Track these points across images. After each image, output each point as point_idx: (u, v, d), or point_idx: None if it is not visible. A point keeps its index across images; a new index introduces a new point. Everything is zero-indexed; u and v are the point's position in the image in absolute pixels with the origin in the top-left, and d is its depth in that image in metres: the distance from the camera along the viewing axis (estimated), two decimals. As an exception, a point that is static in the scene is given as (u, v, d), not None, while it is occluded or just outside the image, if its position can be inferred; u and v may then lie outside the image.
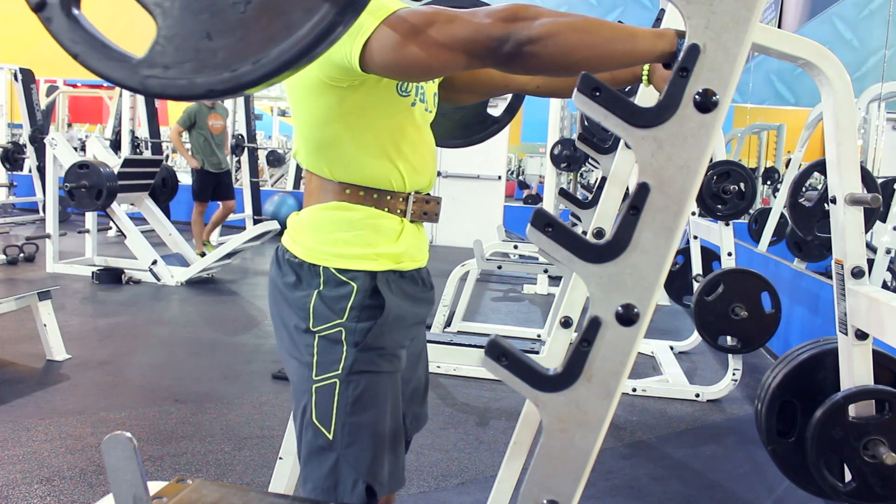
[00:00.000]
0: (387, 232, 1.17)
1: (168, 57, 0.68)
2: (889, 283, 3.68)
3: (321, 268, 1.13)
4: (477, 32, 0.92)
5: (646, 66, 1.21)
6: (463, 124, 1.68)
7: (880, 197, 1.71)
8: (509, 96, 1.73)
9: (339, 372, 1.11)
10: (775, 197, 7.22)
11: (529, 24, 0.89)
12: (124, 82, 0.70)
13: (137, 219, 5.80)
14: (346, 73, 1.05)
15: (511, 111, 1.73)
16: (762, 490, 2.46)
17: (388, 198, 1.17)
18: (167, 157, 11.14)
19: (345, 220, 1.15)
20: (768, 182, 7.87)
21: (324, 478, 1.12)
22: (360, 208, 1.15)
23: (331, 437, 1.12)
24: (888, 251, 3.60)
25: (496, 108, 1.70)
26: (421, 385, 1.35)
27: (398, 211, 1.18)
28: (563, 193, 2.76)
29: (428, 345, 1.88)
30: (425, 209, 1.22)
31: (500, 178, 8.52)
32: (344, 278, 1.12)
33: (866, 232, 3.25)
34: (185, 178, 10.13)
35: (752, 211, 5.67)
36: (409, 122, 1.18)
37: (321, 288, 1.12)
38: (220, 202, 6.34)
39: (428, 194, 1.24)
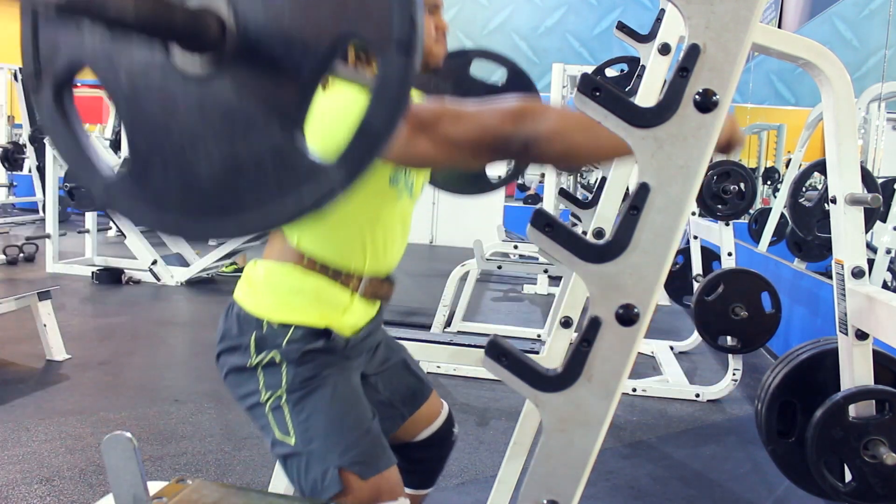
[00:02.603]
0: (335, 304, 1.20)
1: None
2: (889, 283, 3.68)
3: (264, 321, 1.17)
4: (484, 130, 0.93)
5: None
6: (459, 179, 1.69)
7: (880, 197, 1.71)
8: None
9: (283, 386, 1.16)
10: (775, 197, 7.22)
11: (536, 123, 0.91)
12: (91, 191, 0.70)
13: (137, 219, 5.79)
14: None
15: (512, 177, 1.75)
16: (762, 490, 2.46)
17: (343, 276, 1.20)
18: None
19: (296, 284, 1.19)
20: (768, 182, 7.87)
21: (305, 481, 1.15)
22: (314, 276, 1.18)
23: (293, 441, 1.15)
24: (888, 251, 3.60)
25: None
26: (399, 366, 1.40)
27: (350, 286, 1.21)
28: (563, 193, 2.77)
29: (428, 345, 1.89)
30: (378, 291, 1.25)
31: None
32: (280, 331, 1.17)
33: (866, 232, 3.26)
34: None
35: (752, 211, 5.67)
36: (392, 211, 1.21)
37: (261, 332, 1.17)
38: None
39: (386, 278, 1.27)
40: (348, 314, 1.21)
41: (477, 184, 1.65)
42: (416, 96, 1.07)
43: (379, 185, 1.16)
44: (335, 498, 1.13)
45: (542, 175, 14.58)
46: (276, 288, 1.19)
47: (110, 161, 0.68)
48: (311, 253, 1.18)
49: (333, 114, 0.97)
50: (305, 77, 0.61)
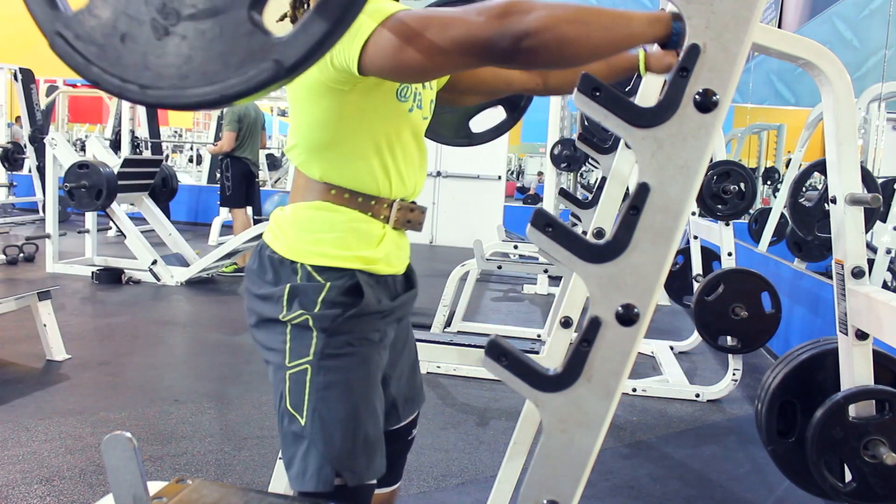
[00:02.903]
0: (367, 236, 1.17)
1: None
2: (889, 283, 3.68)
3: (298, 264, 1.13)
4: (470, 32, 0.90)
5: (641, 53, 1.21)
6: (449, 126, 1.68)
7: (880, 197, 1.71)
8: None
9: (311, 357, 1.12)
10: (775, 197, 7.23)
11: (523, 18, 0.86)
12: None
13: (137, 219, 5.80)
14: (346, 76, 1.06)
15: (512, 119, 1.73)
16: (762, 490, 2.46)
17: (373, 203, 1.17)
18: (167, 157, 11.15)
19: (327, 220, 1.16)
20: (768, 182, 7.88)
21: (297, 464, 1.13)
22: (344, 210, 1.16)
23: (303, 422, 1.12)
24: (888, 251, 3.60)
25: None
26: (411, 366, 1.36)
27: (381, 217, 1.18)
28: (563, 193, 2.77)
29: (428, 345, 1.88)
30: (409, 217, 1.22)
31: (500, 178, 8.52)
32: (317, 276, 1.13)
33: (866, 232, 3.26)
34: (184, 179, 10.16)
35: (752, 211, 5.67)
36: (405, 127, 1.19)
37: (295, 282, 1.13)
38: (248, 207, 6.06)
39: (413, 202, 1.24)
40: (382, 245, 1.18)
41: (465, 134, 1.65)
42: (399, 5, 1.06)
43: (387, 102, 1.14)
44: (319, 496, 1.11)
45: (540, 174, 14.60)
46: (307, 225, 1.16)
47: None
48: (337, 182, 1.15)
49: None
50: None
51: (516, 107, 1.69)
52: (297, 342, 1.13)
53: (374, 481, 1.18)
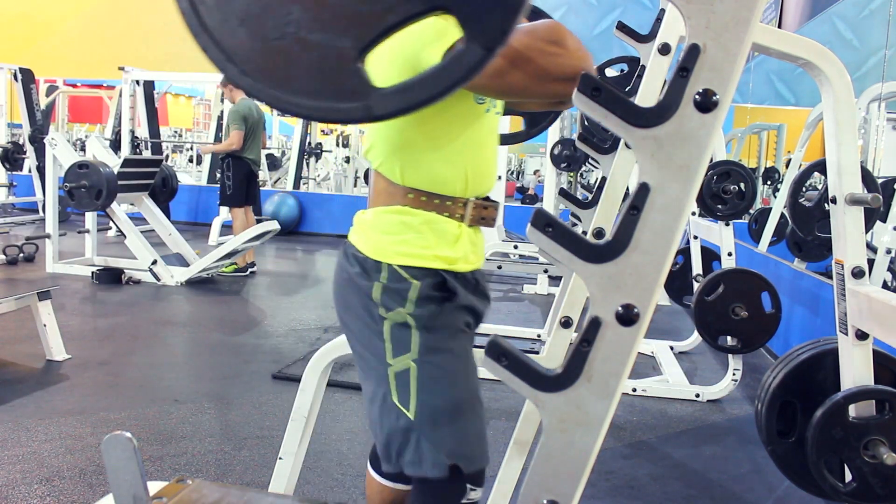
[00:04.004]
0: (446, 236, 1.21)
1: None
2: (889, 283, 3.68)
3: (384, 264, 1.17)
4: (577, 69, 0.98)
5: None
6: None
7: (880, 197, 1.71)
8: None
9: (414, 354, 1.16)
10: (775, 197, 7.23)
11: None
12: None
13: (137, 219, 5.79)
14: None
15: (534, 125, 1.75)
16: (762, 490, 2.46)
17: (448, 203, 1.20)
18: (167, 157, 11.15)
19: (407, 224, 1.19)
20: (768, 182, 7.88)
21: (409, 454, 1.16)
22: (421, 213, 1.20)
23: (412, 416, 1.16)
24: (888, 251, 3.60)
25: None
26: None
27: (457, 216, 1.21)
28: (563, 193, 2.76)
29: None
30: (483, 214, 1.25)
31: (499, 178, 8.50)
32: (404, 274, 1.17)
33: (866, 232, 3.26)
34: (184, 179, 10.15)
35: (752, 211, 5.67)
36: (482, 127, 1.22)
37: (384, 281, 1.17)
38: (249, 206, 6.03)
39: (487, 199, 1.27)
40: (459, 244, 1.22)
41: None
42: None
43: (466, 104, 1.17)
44: (438, 482, 1.15)
45: (536, 172, 14.59)
46: (388, 228, 1.19)
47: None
48: (416, 184, 1.18)
49: (400, 50, 1.03)
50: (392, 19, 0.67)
51: (536, 123, 1.71)
52: (397, 340, 1.17)
53: (486, 465, 1.22)
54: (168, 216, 6.26)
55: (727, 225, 3.42)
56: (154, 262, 5.29)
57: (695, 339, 4.11)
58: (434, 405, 1.16)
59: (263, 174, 9.43)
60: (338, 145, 12.85)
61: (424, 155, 1.18)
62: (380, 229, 1.20)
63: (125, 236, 5.41)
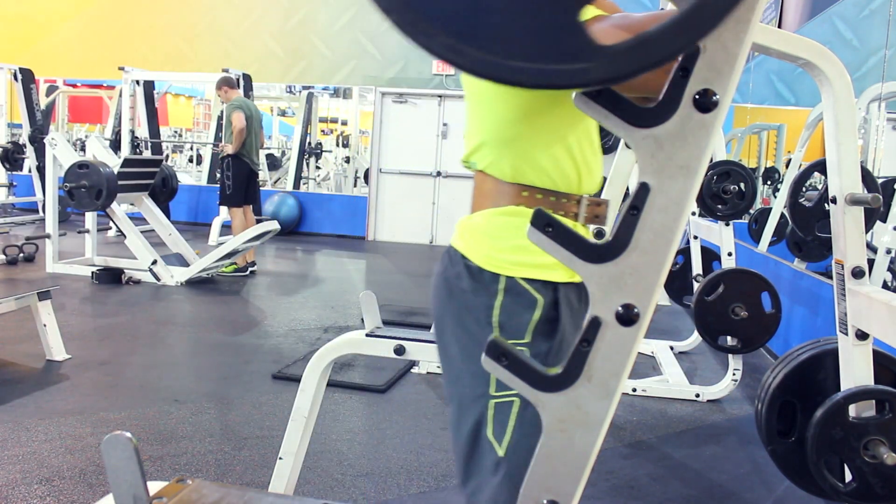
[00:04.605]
0: None
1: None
2: (889, 283, 3.68)
3: (501, 276, 1.08)
4: None
5: None
6: None
7: (881, 197, 1.71)
8: None
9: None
10: (775, 197, 7.23)
11: None
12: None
13: (137, 219, 5.79)
14: None
15: None
16: (762, 490, 2.46)
17: (564, 201, 1.13)
18: (167, 157, 11.15)
19: (522, 226, 1.06)
20: (768, 182, 7.88)
21: (487, 492, 1.09)
22: None
23: (501, 453, 1.08)
24: (888, 251, 3.60)
25: None
26: None
27: (571, 214, 1.13)
28: (563, 193, 2.76)
29: (428, 345, 1.88)
30: (596, 212, 1.17)
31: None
32: (529, 288, 1.08)
33: (867, 232, 3.26)
34: (184, 179, 10.15)
35: (752, 211, 5.67)
36: (590, 121, 1.16)
37: (503, 298, 1.07)
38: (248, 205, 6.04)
39: (598, 195, 1.20)
40: None
41: None
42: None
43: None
44: None
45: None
46: (502, 233, 1.10)
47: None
48: (529, 181, 1.10)
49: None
50: None
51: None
52: None
53: None
54: (168, 216, 6.26)
55: (727, 225, 3.42)
56: (154, 262, 5.29)
57: (695, 339, 4.10)
58: (528, 448, 1.04)
59: (263, 174, 9.43)
60: (338, 145, 12.85)
61: (538, 150, 1.10)
62: (492, 234, 1.10)
63: (125, 236, 5.41)
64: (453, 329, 1.13)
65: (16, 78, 7.90)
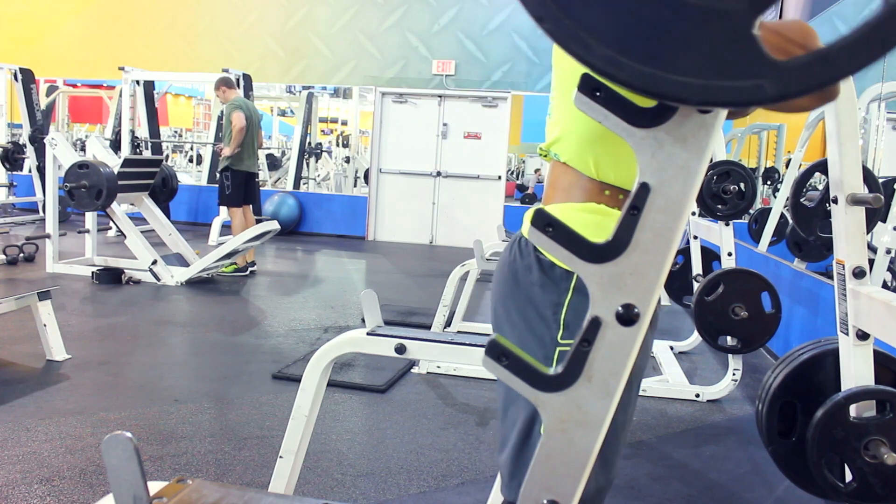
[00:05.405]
0: None
1: None
2: (889, 283, 3.67)
3: (576, 275, 1.03)
4: None
5: None
6: None
7: (882, 197, 1.71)
8: None
9: None
10: (775, 197, 7.23)
11: None
12: None
13: (137, 219, 5.80)
14: None
15: None
16: (762, 490, 2.46)
17: None
18: (167, 157, 11.15)
19: (602, 225, 1.05)
20: (768, 182, 7.88)
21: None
22: (618, 213, 1.11)
23: None
24: (888, 251, 3.60)
25: None
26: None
27: None
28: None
29: (427, 344, 1.88)
30: None
31: (500, 178, 8.52)
32: None
33: (868, 232, 3.26)
34: (184, 179, 10.16)
35: (752, 211, 5.68)
36: None
37: (573, 296, 1.04)
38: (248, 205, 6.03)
39: None
40: None
41: None
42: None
43: None
44: None
45: (537, 171, 14.60)
46: (580, 230, 1.03)
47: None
48: (612, 180, 1.07)
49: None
50: None
51: None
52: None
53: None
54: (168, 216, 6.26)
55: (727, 225, 3.42)
56: (154, 262, 5.30)
57: (695, 339, 4.10)
58: None
59: (263, 174, 9.44)
60: (338, 145, 12.85)
61: (623, 149, 1.04)
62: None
63: (125, 236, 5.41)
64: (514, 320, 1.09)
65: (16, 78, 7.90)
